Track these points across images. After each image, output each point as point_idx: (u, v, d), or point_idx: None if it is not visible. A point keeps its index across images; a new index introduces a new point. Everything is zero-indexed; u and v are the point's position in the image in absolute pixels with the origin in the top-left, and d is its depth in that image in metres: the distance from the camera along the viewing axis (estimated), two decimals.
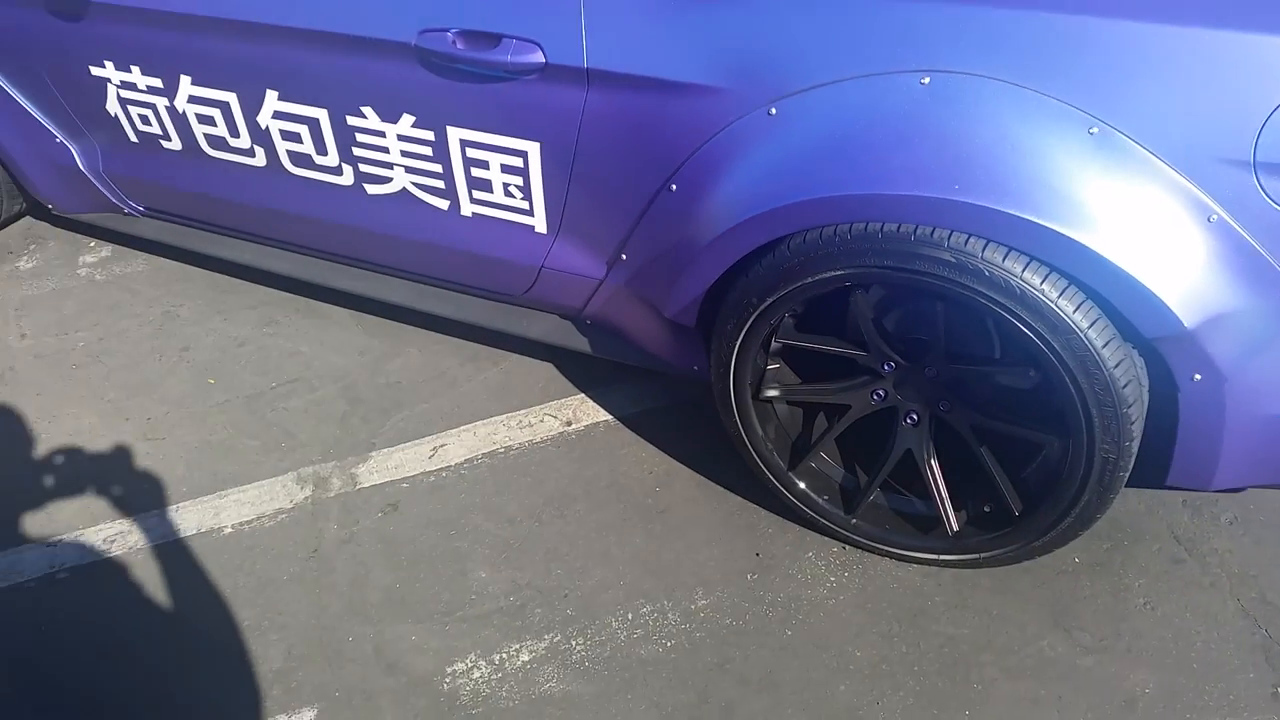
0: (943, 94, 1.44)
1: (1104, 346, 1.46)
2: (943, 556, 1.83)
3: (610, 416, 2.26)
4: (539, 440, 2.20)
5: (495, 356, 2.43)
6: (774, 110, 1.56)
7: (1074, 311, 1.45)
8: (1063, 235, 1.39)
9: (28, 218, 3.02)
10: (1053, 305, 1.44)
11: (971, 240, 1.45)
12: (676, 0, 1.62)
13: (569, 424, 2.24)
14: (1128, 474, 1.58)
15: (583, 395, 2.31)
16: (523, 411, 2.27)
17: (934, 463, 1.76)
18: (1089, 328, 1.45)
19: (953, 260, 1.46)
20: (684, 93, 1.63)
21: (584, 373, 2.36)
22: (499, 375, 2.38)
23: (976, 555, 1.80)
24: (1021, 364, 1.61)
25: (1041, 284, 1.44)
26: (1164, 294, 1.40)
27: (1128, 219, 1.39)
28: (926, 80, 1.45)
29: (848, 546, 1.92)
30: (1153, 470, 1.65)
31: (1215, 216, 1.38)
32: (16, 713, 1.75)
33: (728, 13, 1.58)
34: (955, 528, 1.78)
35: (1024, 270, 1.44)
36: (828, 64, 1.51)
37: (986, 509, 1.77)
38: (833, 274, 1.57)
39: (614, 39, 1.66)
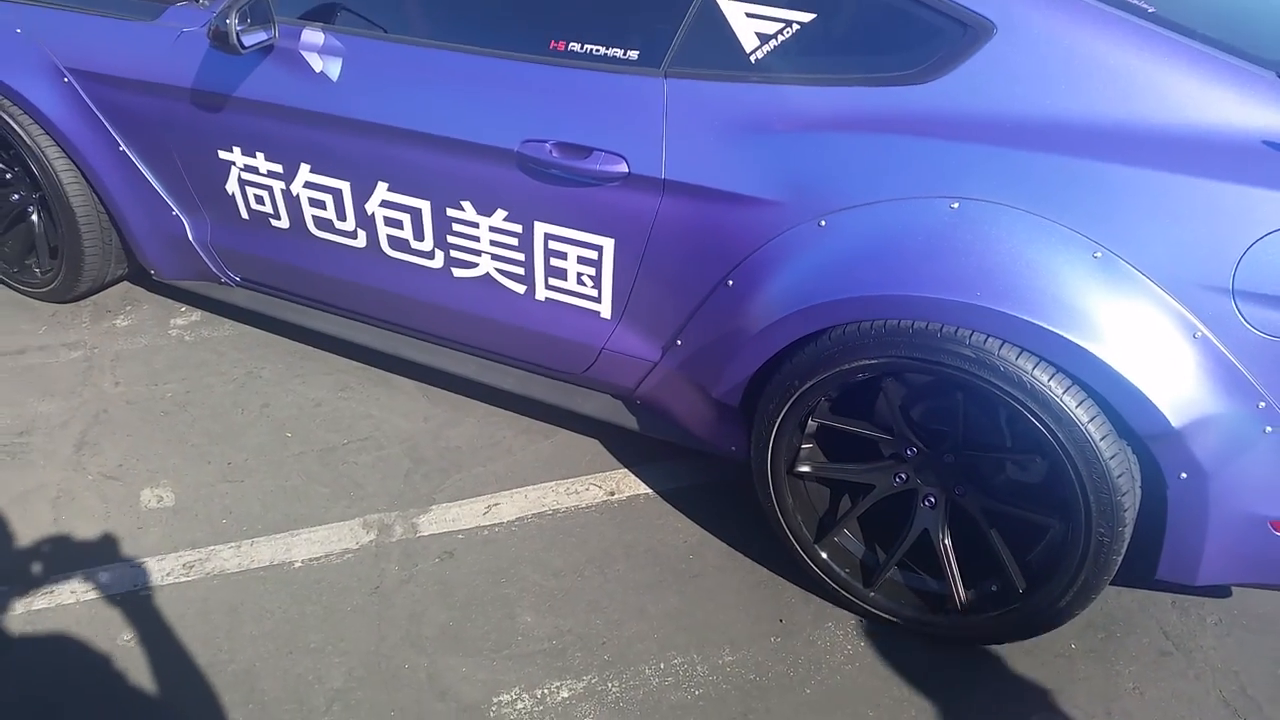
0: (969, 217, 1.72)
1: (1102, 439, 1.69)
2: (952, 631, 2.01)
3: (650, 490, 2.47)
4: (584, 506, 2.41)
5: (547, 430, 2.66)
6: (824, 222, 1.84)
7: (1076, 406, 1.68)
8: (1067, 339, 1.64)
9: (126, 281, 3.31)
10: (1058, 400, 1.68)
11: (989, 339, 1.70)
12: (745, 126, 1.92)
13: (612, 494, 2.45)
14: (1120, 557, 1.78)
15: (626, 469, 2.53)
16: (570, 480, 2.49)
17: (948, 543, 1.96)
18: (1089, 421, 1.68)
19: (972, 355, 1.71)
20: (747, 204, 1.91)
21: (628, 449, 2.59)
22: (550, 447, 2.60)
23: (983, 631, 1.97)
24: (1029, 451, 1.84)
25: (1049, 381, 1.68)
26: (1154, 395, 1.64)
27: (1124, 330, 1.64)
28: (956, 205, 1.73)
29: (865, 618, 2.10)
30: (1144, 567, 1.85)
31: (1200, 333, 1.63)
32: (97, 712, 1.91)
33: (790, 140, 1.88)
34: (965, 604, 1.96)
35: (1034, 368, 1.68)
36: (874, 187, 1.80)
37: (993, 587, 1.96)
38: (867, 362, 1.82)
39: (690, 155, 1.95)
